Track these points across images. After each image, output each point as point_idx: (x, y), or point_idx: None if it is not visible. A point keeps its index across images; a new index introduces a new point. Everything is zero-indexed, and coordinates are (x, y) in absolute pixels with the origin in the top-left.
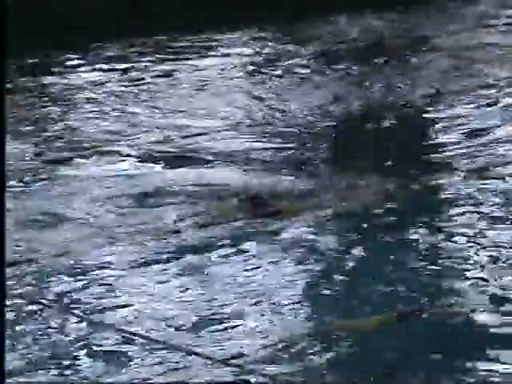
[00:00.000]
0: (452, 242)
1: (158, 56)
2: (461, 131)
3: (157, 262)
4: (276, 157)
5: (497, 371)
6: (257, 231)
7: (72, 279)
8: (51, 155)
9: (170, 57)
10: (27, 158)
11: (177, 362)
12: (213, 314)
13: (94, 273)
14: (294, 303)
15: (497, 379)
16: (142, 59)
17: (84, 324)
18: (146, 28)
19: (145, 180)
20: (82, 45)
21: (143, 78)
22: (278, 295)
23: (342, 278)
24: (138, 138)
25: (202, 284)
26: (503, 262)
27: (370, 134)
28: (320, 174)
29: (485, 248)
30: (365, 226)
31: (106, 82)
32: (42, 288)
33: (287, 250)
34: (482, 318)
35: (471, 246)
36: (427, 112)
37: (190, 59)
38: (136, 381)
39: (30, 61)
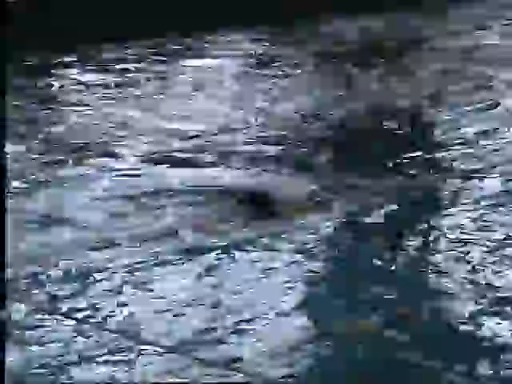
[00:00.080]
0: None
1: (153, 58)
2: (460, 132)
3: (158, 264)
4: (274, 158)
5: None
6: (257, 233)
7: (67, 282)
8: (48, 157)
9: (165, 59)
10: (23, 159)
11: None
12: (214, 318)
13: (92, 275)
14: (298, 307)
15: None
16: (138, 61)
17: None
18: (142, 30)
19: (143, 181)
20: (77, 46)
21: (139, 80)
22: (282, 298)
23: (341, 279)
24: (136, 140)
25: (203, 286)
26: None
27: (369, 135)
28: (319, 175)
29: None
30: (364, 225)
31: (102, 84)
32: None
33: (289, 251)
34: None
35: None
36: (426, 112)
37: (185, 60)
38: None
39: (28, 62)
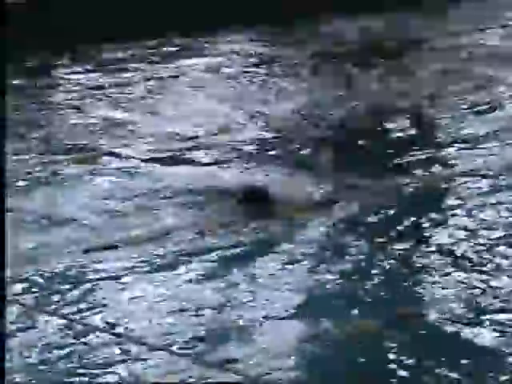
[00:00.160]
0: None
1: (153, 58)
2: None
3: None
4: (274, 158)
5: None
6: (257, 233)
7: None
8: (47, 157)
9: (165, 59)
10: (23, 159)
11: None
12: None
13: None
14: (298, 307)
15: None
16: (138, 61)
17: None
18: (142, 30)
19: (143, 181)
20: (77, 46)
21: (139, 80)
22: (282, 299)
23: (340, 278)
24: (136, 140)
25: (204, 287)
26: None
27: (369, 135)
28: (319, 175)
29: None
30: (364, 225)
31: (102, 84)
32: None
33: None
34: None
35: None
36: (426, 112)
37: (185, 60)
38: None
39: (28, 62)
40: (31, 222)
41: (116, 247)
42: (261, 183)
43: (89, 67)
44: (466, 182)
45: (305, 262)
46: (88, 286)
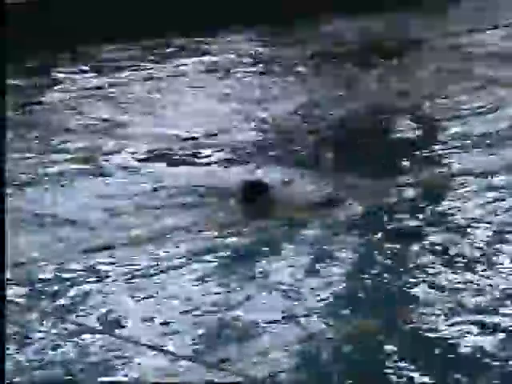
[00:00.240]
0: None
1: (152, 58)
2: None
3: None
4: (274, 158)
5: None
6: (257, 232)
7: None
8: (47, 157)
9: (165, 59)
10: (23, 159)
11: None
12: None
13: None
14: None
15: None
16: (138, 61)
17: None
18: (142, 30)
19: (143, 180)
20: (77, 46)
21: (138, 80)
22: (282, 298)
23: (340, 277)
24: (135, 139)
25: (204, 288)
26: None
27: (369, 134)
28: (319, 175)
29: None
30: (364, 224)
31: (101, 83)
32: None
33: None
34: None
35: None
36: (426, 112)
37: (185, 60)
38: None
39: (28, 62)
40: (31, 222)
41: (115, 247)
42: (261, 183)
43: (89, 67)
44: (466, 182)
45: (305, 263)
46: (87, 286)
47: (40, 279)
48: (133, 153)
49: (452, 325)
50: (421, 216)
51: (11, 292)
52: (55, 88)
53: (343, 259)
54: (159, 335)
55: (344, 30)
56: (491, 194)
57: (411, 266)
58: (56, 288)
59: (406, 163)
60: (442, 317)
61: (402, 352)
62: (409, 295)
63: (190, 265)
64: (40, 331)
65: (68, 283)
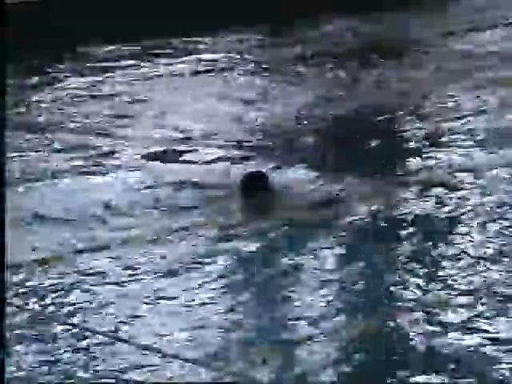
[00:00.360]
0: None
1: (152, 58)
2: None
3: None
4: (273, 157)
5: None
6: (257, 232)
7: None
8: (47, 157)
9: (164, 59)
10: (22, 159)
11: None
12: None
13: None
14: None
15: None
16: (135, 61)
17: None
18: (142, 30)
19: (142, 179)
20: (77, 46)
21: (135, 81)
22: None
23: (340, 277)
24: (134, 139)
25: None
26: None
27: (369, 134)
28: (319, 174)
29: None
30: (364, 224)
31: (101, 83)
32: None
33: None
34: None
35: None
36: (425, 112)
37: (185, 60)
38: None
39: (28, 62)
40: (30, 222)
41: (115, 247)
42: (261, 182)
43: (89, 67)
44: (466, 182)
45: (305, 263)
46: (86, 287)
47: (39, 279)
48: (133, 152)
49: (453, 325)
50: (421, 216)
51: (11, 292)
52: (55, 88)
53: (343, 259)
54: (157, 335)
55: (344, 30)
56: (491, 194)
57: (411, 266)
58: (55, 288)
59: (405, 163)
60: (443, 317)
61: (400, 353)
62: (409, 296)
63: (191, 266)
64: (38, 331)
65: (67, 283)
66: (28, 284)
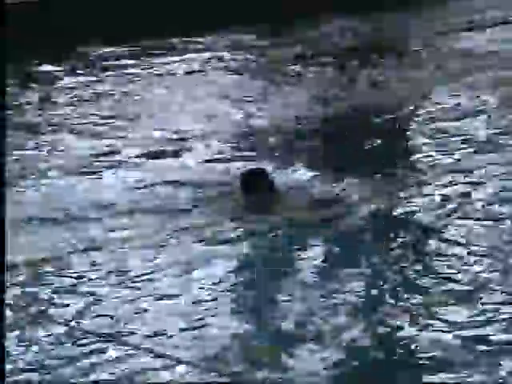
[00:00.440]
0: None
1: (152, 58)
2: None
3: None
4: (273, 157)
5: None
6: (256, 232)
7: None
8: (47, 156)
9: (164, 59)
10: (22, 159)
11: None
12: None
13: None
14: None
15: None
16: (134, 61)
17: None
18: (142, 30)
19: (141, 177)
20: (77, 46)
21: (134, 80)
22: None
23: (339, 276)
24: (134, 138)
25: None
26: None
27: (369, 134)
28: (318, 174)
29: None
30: (363, 224)
31: (100, 83)
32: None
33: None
34: None
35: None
36: (425, 112)
37: (185, 60)
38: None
39: (28, 62)
40: (30, 222)
41: (115, 247)
42: (260, 182)
43: (88, 67)
44: (466, 182)
45: (305, 263)
46: (85, 287)
47: (39, 280)
48: (132, 152)
49: (454, 325)
50: (421, 216)
51: (11, 293)
52: (55, 88)
53: (343, 259)
54: (153, 336)
55: (344, 30)
56: (491, 194)
57: (411, 266)
58: (54, 288)
59: (405, 163)
60: (441, 317)
61: (400, 353)
62: (408, 296)
63: (191, 268)
64: (36, 333)
65: (67, 284)
66: (25, 284)
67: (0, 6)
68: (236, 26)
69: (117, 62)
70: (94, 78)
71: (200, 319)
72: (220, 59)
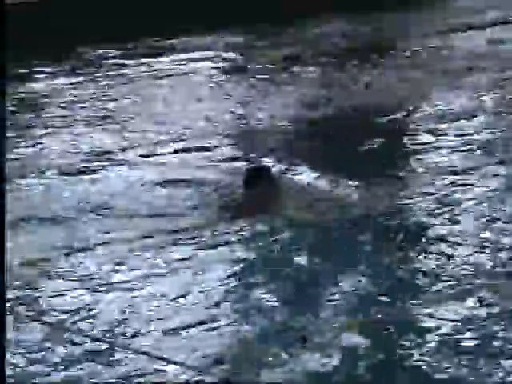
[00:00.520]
0: None
1: (151, 58)
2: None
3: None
4: (272, 157)
5: None
6: (256, 231)
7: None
8: (47, 155)
9: (164, 59)
10: (22, 159)
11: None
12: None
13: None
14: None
15: None
16: (133, 61)
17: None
18: (142, 30)
19: (140, 177)
20: (76, 46)
21: (133, 80)
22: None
23: (339, 276)
24: (133, 138)
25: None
26: None
27: (369, 134)
28: (318, 174)
29: None
30: (363, 224)
31: (99, 83)
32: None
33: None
34: None
35: None
36: (425, 112)
37: (185, 60)
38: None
39: (27, 62)
40: (30, 222)
41: (115, 248)
42: (259, 181)
43: (88, 67)
44: (466, 182)
45: (305, 263)
46: (82, 288)
47: (38, 280)
48: (130, 151)
49: (453, 326)
50: (421, 216)
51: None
52: (54, 87)
53: (343, 260)
54: (157, 339)
55: (344, 30)
56: (490, 193)
57: (411, 266)
58: (53, 289)
59: (406, 163)
60: (442, 317)
61: (400, 353)
62: (408, 296)
63: (191, 269)
64: (34, 333)
65: (66, 284)
66: (22, 285)
67: (0, 6)
68: (236, 26)
69: (117, 62)
70: (94, 78)
71: (200, 321)
72: (220, 59)
